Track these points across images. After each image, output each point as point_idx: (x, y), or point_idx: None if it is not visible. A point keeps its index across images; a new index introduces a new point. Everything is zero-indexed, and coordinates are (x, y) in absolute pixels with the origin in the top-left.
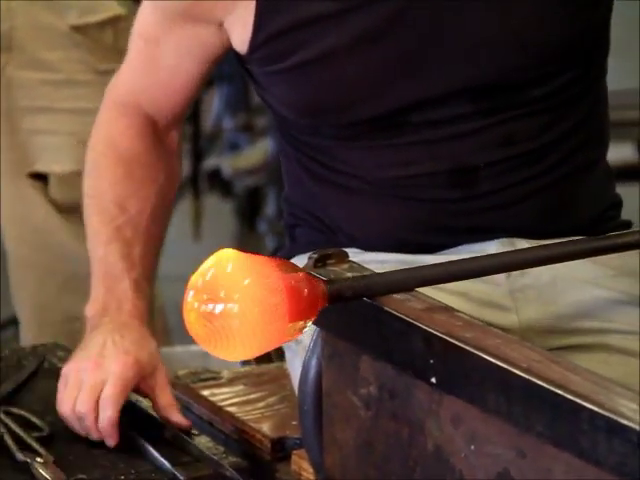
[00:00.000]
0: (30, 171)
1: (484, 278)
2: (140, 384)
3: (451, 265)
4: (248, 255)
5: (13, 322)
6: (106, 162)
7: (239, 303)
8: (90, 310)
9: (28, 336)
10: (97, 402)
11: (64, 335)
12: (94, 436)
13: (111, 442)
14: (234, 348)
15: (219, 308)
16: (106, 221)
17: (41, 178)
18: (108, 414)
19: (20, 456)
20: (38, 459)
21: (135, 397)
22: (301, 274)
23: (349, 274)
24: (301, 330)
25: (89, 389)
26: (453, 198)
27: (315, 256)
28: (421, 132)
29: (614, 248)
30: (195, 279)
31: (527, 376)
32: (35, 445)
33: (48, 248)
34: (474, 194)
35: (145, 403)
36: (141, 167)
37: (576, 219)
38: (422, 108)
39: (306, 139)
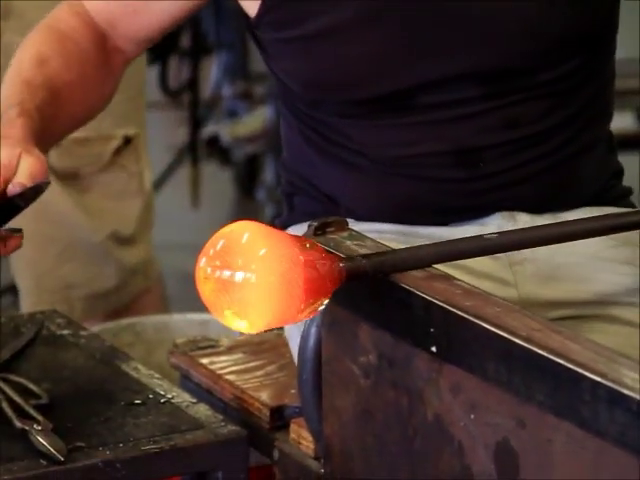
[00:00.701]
0: None
1: None
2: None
3: (467, 242)
4: (267, 227)
5: (11, 289)
6: (39, 32)
7: (256, 272)
8: None
9: (27, 303)
10: None
11: (62, 302)
12: None
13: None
14: (247, 317)
15: (236, 276)
16: (20, 69)
17: None
18: None
19: (18, 424)
20: (36, 426)
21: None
22: (318, 252)
23: (349, 242)
24: (316, 309)
25: None
26: (456, 178)
27: (315, 224)
28: (425, 113)
29: (619, 228)
30: (209, 247)
31: (527, 345)
32: (33, 413)
33: (47, 216)
34: (477, 175)
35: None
36: (77, 48)
37: (579, 195)
38: (426, 90)
39: (309, 112)
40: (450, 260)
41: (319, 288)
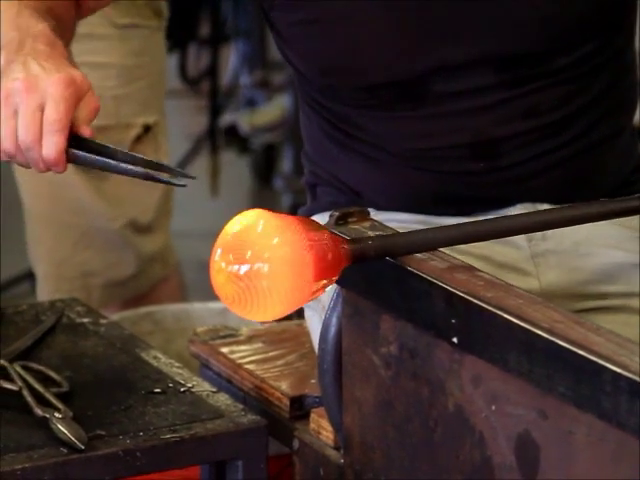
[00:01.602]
0: None
1: (506, 242)
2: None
3: (475, 225)
4: (274, 214)
5: (29, 276)
6: None
7: (269, 263)
8: (3, 53)
9: (45, 291)
10: (41, 128)
11: (80, 290)
12: (41, 167)
13: (60, 169)
14: (264, 308)
15: (248, 268)
16: (16, 2)
17: None
18: (54, 140)
19: (39, 411)
20: (57, 415)
21: None
22: (324, 233)
23: (371, 233)
24: (324, 289)
25: (30, 115)
26: (475, 170)
27: (337, 214)
28: (443, 104)
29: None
30: (222, 239)
31: (549, 337)
32: (54, 400)
33: (65, 202)
34: (497, 166)
35: None
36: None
37: (600, 186)
38: (442, 77)
39: (327, 104)
40: (458, 243)
41: (326, 270)
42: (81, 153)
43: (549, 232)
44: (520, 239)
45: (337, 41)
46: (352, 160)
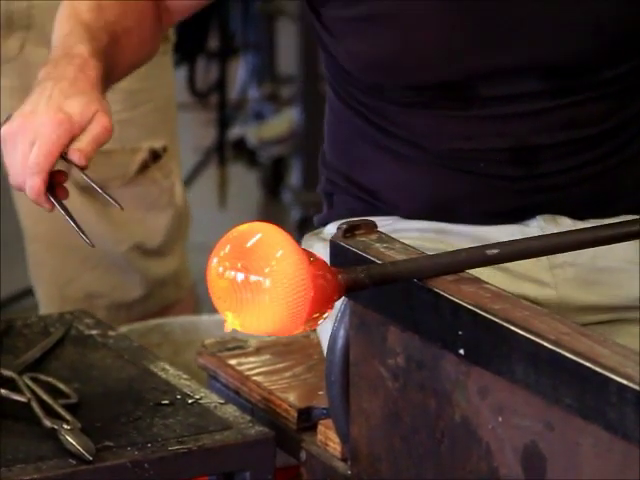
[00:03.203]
0: None
1: None
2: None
3: (469, 253)
4: (286, 234)
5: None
6: None
7: (271, 276)
8: (42, 71)
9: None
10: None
11: None
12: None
13: (45, 207)
14: (258, 318)
15: (248, 277)
16: (76, 12)
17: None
18: (31, 182)
19: (47, 423)
20: (65, 426)
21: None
22: (322, 264)
23: (377, 245)
24: (317, 322)
25: (20, 156)
26: (512, 176)
27: (344, 226)
28: (488, 107)
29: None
30: (222, 244)
31: (555, 348)
32: (62, 412)
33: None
34: (533, 173)
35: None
36: (133, 6)
37: (631, 201)
38: (491, 81)
39: (367, 101)
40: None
41: (324, 299)
42: (55, 201)
43: None
44: None
45: (388, 39)
46: (382, 159)
